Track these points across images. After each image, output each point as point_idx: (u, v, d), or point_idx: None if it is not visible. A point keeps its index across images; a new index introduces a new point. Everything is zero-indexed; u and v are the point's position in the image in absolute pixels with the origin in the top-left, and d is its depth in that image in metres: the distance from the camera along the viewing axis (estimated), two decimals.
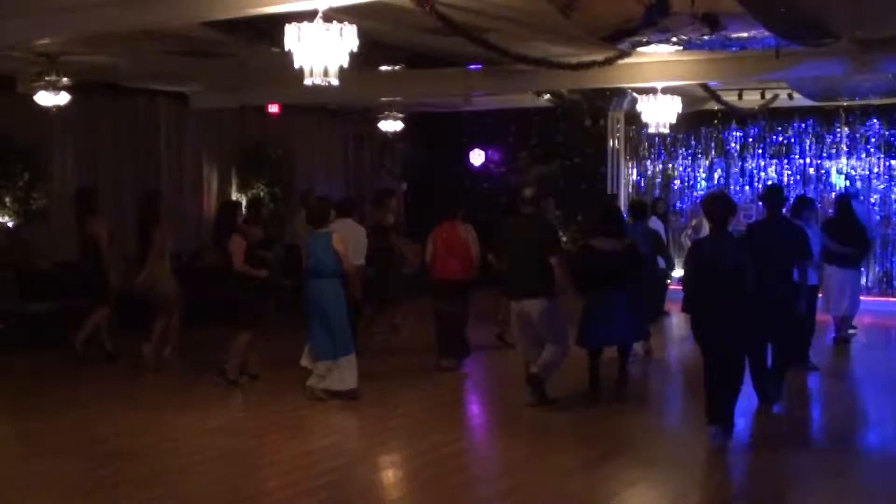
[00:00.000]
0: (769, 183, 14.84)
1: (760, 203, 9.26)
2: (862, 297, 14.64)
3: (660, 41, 8.45)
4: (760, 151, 16.00)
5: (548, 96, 13.16)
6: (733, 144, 16.17)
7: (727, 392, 7.10)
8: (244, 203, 14.65)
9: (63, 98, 10.68)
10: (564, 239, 15.59)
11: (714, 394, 7.11)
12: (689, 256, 7.37)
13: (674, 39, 8.32)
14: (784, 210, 9.12)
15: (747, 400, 8.45)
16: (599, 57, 9.58)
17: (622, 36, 8.04)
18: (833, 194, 14.49)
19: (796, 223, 8.92)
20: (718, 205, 7.25)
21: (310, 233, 8.73)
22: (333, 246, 8.32)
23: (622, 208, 14.14)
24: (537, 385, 8.10)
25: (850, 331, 11.85)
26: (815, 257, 9.30)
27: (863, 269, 13.45)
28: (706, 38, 8.16)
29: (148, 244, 10.02)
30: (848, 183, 15.24)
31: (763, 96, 13.38)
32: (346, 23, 6.68)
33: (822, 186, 15.46)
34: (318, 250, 8.37)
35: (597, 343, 8.86)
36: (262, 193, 14.91)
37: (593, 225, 9.47)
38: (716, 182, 16.27)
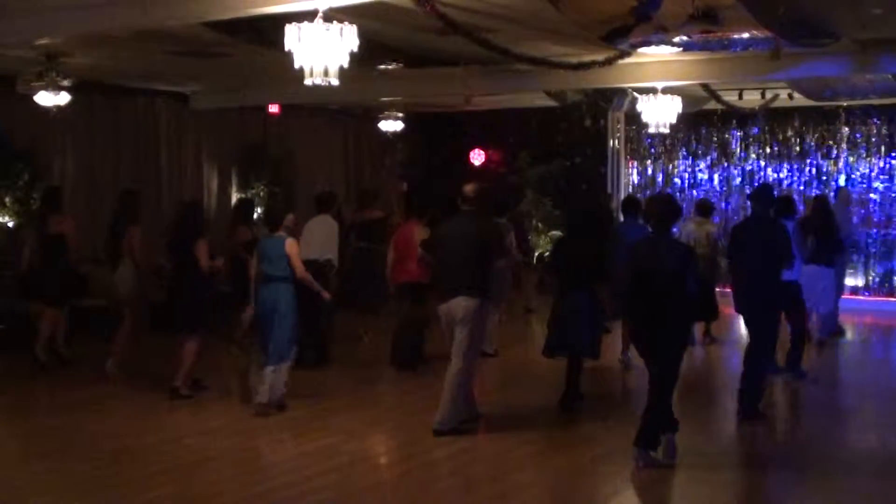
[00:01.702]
0: (760, 183, 14.87)
1: (749, 202, 9.17)
2: (862, 297, 14.80)
3: (660, 42, 8.42)
4: (760, 151, 16.00)
5: (557, 93, 13.09)
6: (733, 144, 16.18)
7: (667, 396, 6.88)
8: (233, 203, 14.71)
9: (63, 98, 10.67)
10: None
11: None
12: (627, 258, 7.09)
13: (675, 40, 8.29)
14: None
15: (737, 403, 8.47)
16: (600, 57, 9.58)
17: (620, 34, 8.00)
18: (814, 194, 14.46)
19: (781, 223, 8.88)
20: (661, 207, 7.09)
21: (263, 236, 8.54)
22: (286, 250, 8.17)
23: (613, 208, 14.16)
24: (443, 431, 7.50)
25: (829, 334, 11.77)
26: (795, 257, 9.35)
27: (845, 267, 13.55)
28: (706, 38, 8.13)
29: (117, 245, 9.85)
30: (844, 181, 15.22)
31: (763, 96, 13.38)
32: (346, 23, 6.68)
33: (822, 186, 15.44)
34: (271, 254, 8.20)
35: (554, 350, 8.53)
36: (261, 193, 14.92)
37: (568, 222, 9.41)
38: (716, 182, 16.30)
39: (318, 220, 10.23)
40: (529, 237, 16.05)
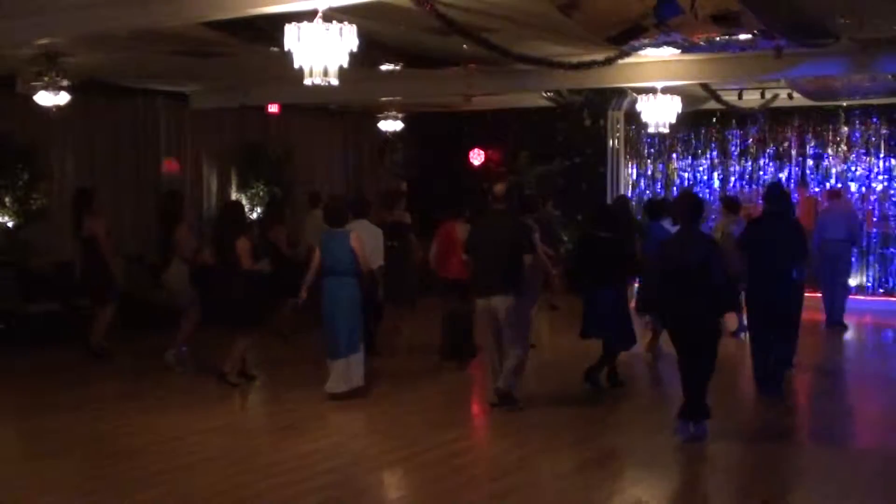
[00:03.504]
0: (772, 180, 14.88)
1: (761, 201, 9.30)
2: (862, 297, 14.80)
3: (665, 43, 8.41)
4: (760, 151, 15.99)
5: (550, 94, 13.11)
6: (733, 144, 16.17)
7: (702, 385, 7.21)
8: (258, 204, 14.81)
9: (63, 98, 10.68)
10: (565, 238, 15.58)
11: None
12: (656, 255, 7.44)
13: (678, 41, 8.30)
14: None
15: (745, 398, 8.49)
16: (599, 57, 9.58)
17: (630, 36, 7.98)
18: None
19: (795, 221, 8.97)
20: (687, 203, 7.38)
21: (326, 232, 8.77)
22: (351, 244, 8.42)
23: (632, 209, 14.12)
24: (505, 398, 8.07)
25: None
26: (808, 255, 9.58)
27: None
28: (717, 40, 8.14)
29: (168, 243, 10.02)
30: (842, 181, 15.23)
31: (763, 96, 13.38)
32: (346, 23, 6.68)
33: (821, 186, 15.42)
34: (336, 249, 8.47)
35: (592, 333, 8.90)
36: (261, 193, 14.93)
37: (590, 220, 9.55)
38: (716, 182, 16.29)
39: (360, 227, 9.41)
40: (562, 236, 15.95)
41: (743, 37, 8.16)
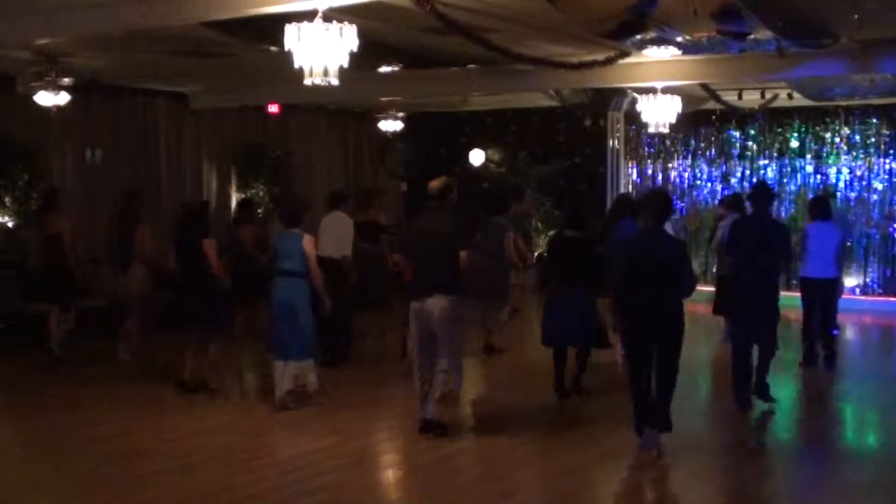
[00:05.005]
0: (757, 180, 14.88)
1: (748, 201, 9.23)
2: (863, 298, 14.80)
3: (666, 42, 8.39)
4: (760, 151, 15.99)
5: (561, 91, 13.03)
6: (733, 144, 16.17)
7: (665, 392, 6.94)
8: (234, 202, 14.77)
9: (63, 98, 10.68)
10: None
11: (643, 397, 6.97)
12: (622, 251, 7.22)
13: (678, 39, 8.28)
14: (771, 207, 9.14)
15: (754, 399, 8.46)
16: (600, 57, 9.58)
17: (629, 31, 7.93)
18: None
19: (780, 222, 8.94)
20: (659, 201, 7.24)
21: (279, 232, 8.61)
22: (304, 247, 8.23)
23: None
24: (441, 429, 7.41)
25: None
26: (834, 252, 9.76)
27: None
28: (710, 38, 8.11)
29: (127, 245, 9.92)
30: (843, 181, 15.23)
31: (763, 96, 13.38)
32: (346, 23, 6.68)
33: (820, 186, 15.43)
34: (289, 250, 8.26)
35: (551, 340, 8.66)
36: (261, 193, 14.94)
37: (563, 219, 9.46)
38: (715, 182, 16.31)
39: (332, 218, 10.05)
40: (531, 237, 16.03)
41: (744, 36, 8.16)
